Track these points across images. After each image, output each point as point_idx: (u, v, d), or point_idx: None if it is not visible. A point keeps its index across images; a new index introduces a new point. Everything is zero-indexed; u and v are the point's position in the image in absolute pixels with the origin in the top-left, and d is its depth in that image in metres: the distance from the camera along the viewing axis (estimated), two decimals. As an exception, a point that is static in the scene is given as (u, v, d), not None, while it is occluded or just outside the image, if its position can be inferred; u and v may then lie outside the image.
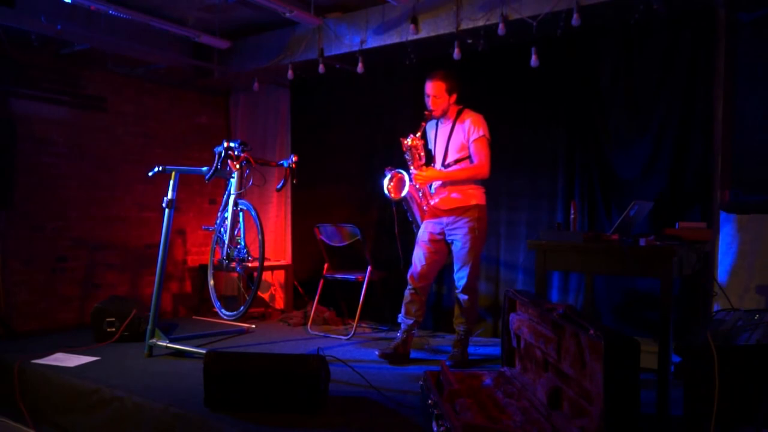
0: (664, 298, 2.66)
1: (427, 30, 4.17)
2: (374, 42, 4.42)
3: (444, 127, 3.74)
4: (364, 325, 4.84)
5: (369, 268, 4.42)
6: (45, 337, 4.34)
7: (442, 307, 4.77)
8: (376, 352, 3.74)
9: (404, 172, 3.69)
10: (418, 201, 3.77)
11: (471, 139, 3.62)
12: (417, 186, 3.71)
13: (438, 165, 3.75)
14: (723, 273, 3.58)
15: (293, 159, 3.95)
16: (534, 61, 3.93)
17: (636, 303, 3.97)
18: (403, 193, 3.66)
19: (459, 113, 3.70)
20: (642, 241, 2.79)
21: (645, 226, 3.66)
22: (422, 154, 3.73)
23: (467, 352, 3.78)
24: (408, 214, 3.87)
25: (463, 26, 4.00)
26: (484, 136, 3.62)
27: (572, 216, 3.37)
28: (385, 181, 3.72)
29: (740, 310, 2.95)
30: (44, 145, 4.86)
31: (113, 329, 4.17)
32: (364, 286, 4.42)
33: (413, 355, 3.89)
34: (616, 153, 4.04)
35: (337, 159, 5.34)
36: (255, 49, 5.09)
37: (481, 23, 3.92)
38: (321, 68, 4.66)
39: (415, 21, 4.18)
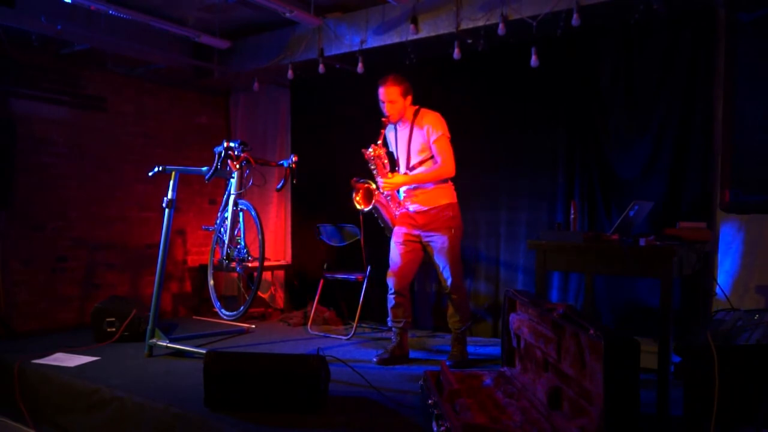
0: (664, 298, 2.67)
1: (427, 30, 4.17)
2: (374, 42, 4.42)
3: (403, 131, 3.74)
4: (364, 325, 4.84)
5: (369, 268, 4.43)
6: (45, 337, 4.33)
7: (441, 307, 4.76)
8: (374, 359, 3.72)
9: (370, 182, 3.72)
10: (387, 207, 3.78)
11: (431, 140, 3.61)
12: (385, 193, 3.73)
13: (402, 169, 3.75)
14: (723, 273, 3.58)
15: (293, 159, 3.95)
16: (534, 61, 3.93)
17: (636, 303, 3.97)
18: (371, 205, 3.69)
19: (416, 114, 3.69)
20: (642, 241, 2.79)
21: (645, 226, 3.65)
22: (386, 162, 3.73)
23: (467, 351, 3.78)
24: (379, 221, 3.87)
25: (463, 26, 4.00)
26: (443, 134, 3.61)
27: (572, 216, 3.38)
28: (353, 194, 3.74)
29: (740, 310, 2.95)
30: (44, 145, 4.86)
31: (113, 329, 4.17)
32: (364, 286, 4.42)
33: (413, 355, 3.89)
34: (616, 153, 4.04)
35: (337, 159, 5.34)
36: (255, 49, 5.08)
37: (481, 23, 3.92)
38: (321, 68, 4.66)
39: (415, 21, 4.18)
